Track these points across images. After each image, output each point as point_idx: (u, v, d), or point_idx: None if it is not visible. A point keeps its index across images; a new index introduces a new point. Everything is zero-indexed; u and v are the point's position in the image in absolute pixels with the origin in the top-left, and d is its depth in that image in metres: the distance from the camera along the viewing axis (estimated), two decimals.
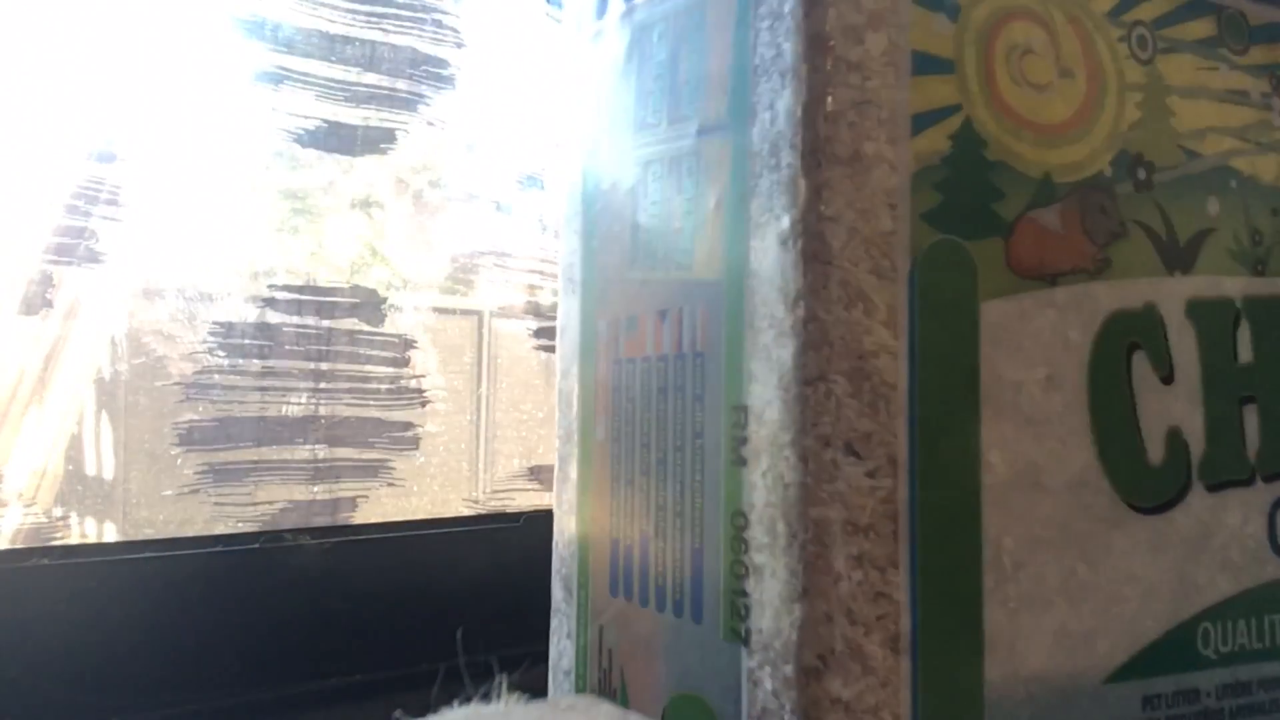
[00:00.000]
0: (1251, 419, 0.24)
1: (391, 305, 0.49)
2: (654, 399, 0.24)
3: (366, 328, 0.48)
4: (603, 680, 0.26)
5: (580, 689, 0.27)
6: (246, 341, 0.44)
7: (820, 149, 0.20)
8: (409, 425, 0.49)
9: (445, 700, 0.23)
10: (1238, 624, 0.24)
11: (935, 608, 0.20)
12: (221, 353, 0.43)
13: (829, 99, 0.20)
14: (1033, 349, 0.21)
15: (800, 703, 0.19)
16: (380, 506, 0.48)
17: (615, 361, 0.26)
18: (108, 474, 0.44)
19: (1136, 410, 0.23)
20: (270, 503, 0.44)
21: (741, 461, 0.21)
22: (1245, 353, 0.24)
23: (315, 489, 0.46)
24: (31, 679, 0.32)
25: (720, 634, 0.21)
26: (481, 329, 0.53)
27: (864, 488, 0.19)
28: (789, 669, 0.19)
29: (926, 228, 0.20)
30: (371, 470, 0.47)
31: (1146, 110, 0.23)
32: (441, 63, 0.50)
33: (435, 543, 0.42)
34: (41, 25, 0.42)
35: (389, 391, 0.48)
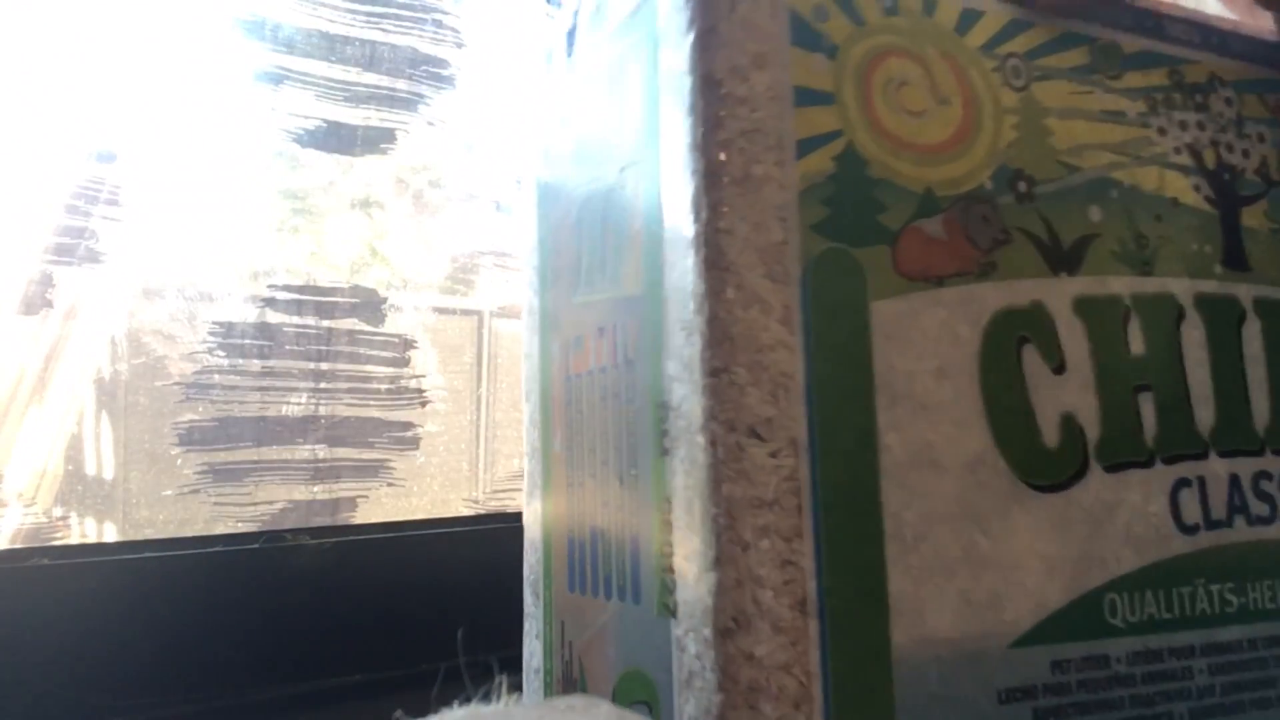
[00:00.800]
0: (1148, 406, 0.27)
1: (391, 305, 0.49)
2: (598, 407, 0.27)
3: (366, 328, 0.48)
4: (566, 672, 0.28)
5: (548, 683, 0.29)
6: (246, 341, 0.45)
7: (715, 172, 0.22)
8: (409, 425, 0.50)
9: (445, 700, 0.23)
10: (1145, 595, 0.26)
11: (840, 574, 0.22)
12: (221, 353, 0.44)
13: (720, 129, 0.23)
14: (923, 343, 0.24)
15: (718, 661, 0.21)
16: (380, 507, 0.49)
17: (566, 379, 0.29)
18: (108, 474, 0.45)
19: (1029, 397, 0.25)
20: (270, 503, 0.46)
21: (665, 452, 0.23)
22: (1137, 345, 0.27)
23: (315, 489, 0.47)
24: (31, 679, 0.34)
25: (655, 611, 0.24)
26: (481, 329, 0.54)
27: (768, 467, 0.22)
28: (708, 632, 0.22)
29: (816, 237, 0.23)
30: (371, 470, 0.48)
31: (1023, 131, 0.26)
32: (441, 63, 0.51)
33: (435, 543, 0.43)
34: (42, 24, 0.45)
35: (389, 391, 0.49)
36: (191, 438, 0.45)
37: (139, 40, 0.47)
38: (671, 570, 0.23)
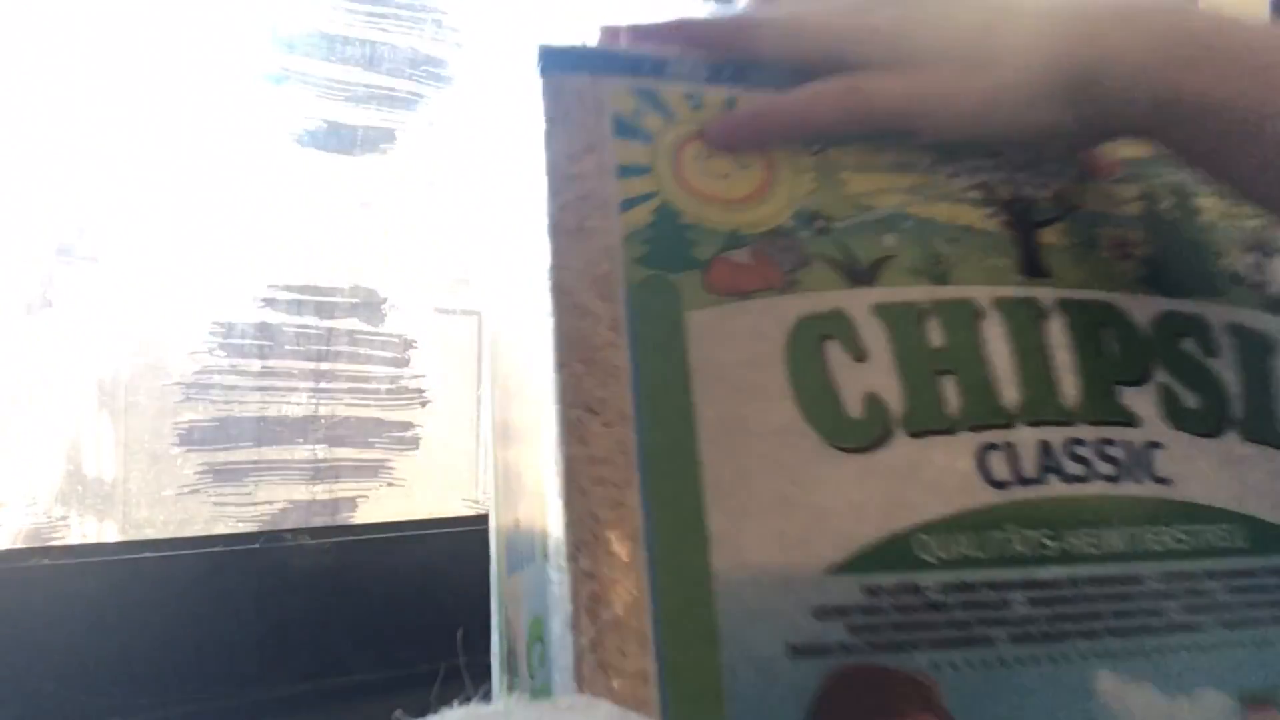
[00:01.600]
0: (950, 386, 0.32)
1: (391, 305, 0.50)
2: (513, 395, 0.34)
3: (366, 328, 0.49)
4: (511, 648, 0.35)
5: (501, 666, 0.36)
6: (247, 342, 0.45)
7: (558, 225, 0.31)
8: (409, 425, 0.51)
9: (445, 700, 0.24)
10: (956, 537, 0.31)
11: (663, 513, 0.28)
12: (222, 352, 0.45)
13: (558, 196, 0.31)
14: (732, 341, 0.31)
15: (568, 582, 0.28)
16: (380, 507, 0.50)
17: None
18: (108, 474, 0.46)
19: (833, 380, 0.31)
20: (270, 503, 0.48)
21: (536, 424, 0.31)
22: (937, 339, 0.33)
23: (315, 489, 0.47)
24: (31, 678, 0.37)
25: (544, 563, 0.30)
26: (481, 329, 0.53)
27: (601, 433, 0.29)
28: (562, 560, 0.28)
29: (638, 268, 0.31)
30: (371, 470, 0.50)
31: (820, 183, 0.34)
32: (441, 62, 0.52)
33: (435, 542, 0.46)
34: (49, 23, 0.46)
35: (389, 391, 0.50)
36: (191, 438, 0.46)
37: (140, 40, 0.46)
38: (546, 525, 0.30)
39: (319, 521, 0.50)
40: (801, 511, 0.30)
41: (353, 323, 0.51)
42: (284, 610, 0.45)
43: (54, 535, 0.45)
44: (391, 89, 0.52)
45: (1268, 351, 0.37)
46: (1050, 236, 0.36)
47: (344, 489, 0.51)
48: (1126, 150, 0.38)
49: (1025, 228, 0.36)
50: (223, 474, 0.49)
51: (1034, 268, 0.35)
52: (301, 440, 0.50)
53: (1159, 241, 0.37)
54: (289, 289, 0.50)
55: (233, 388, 0.48)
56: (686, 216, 0.32)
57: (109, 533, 0.47)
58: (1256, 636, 0.32)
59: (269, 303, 0.50)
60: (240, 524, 0.49)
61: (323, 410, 0.51)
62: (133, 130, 0.49)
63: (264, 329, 0.49)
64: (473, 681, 0.33)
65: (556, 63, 0.33)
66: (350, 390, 0.51)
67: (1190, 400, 0.35)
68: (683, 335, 0.31)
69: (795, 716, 0.28)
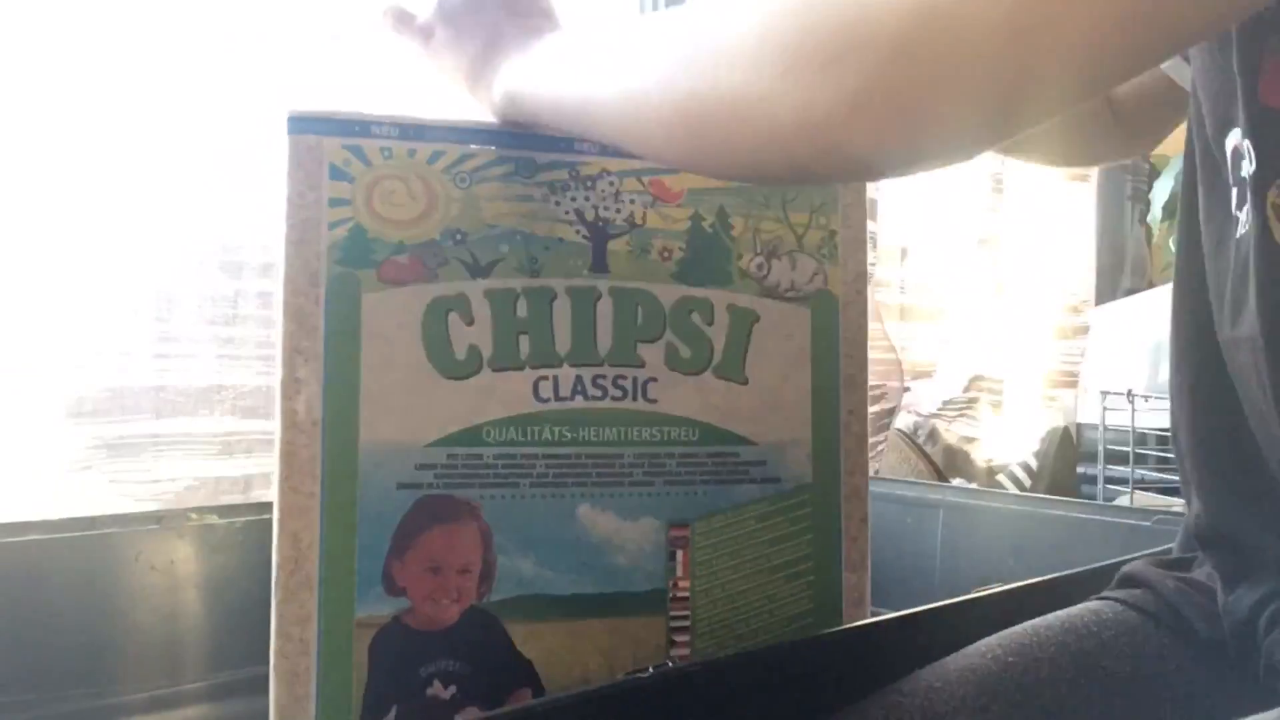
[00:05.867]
0: (525, 340, 0.56)
1: None
2: None
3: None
4: None
5: None
6: (143, 304, 0.51)
7: (288, 237, 0.53)
8: None
9: None
10: (509, 429, 0.55)
11: (332, 406, 0.53)
12: (116, 316, 0.46)
13: (290, 217, 0.52)
14: (390, 313, 0.53)
15: (280, 433, 0.52)
16: None
17: None
18: None
19: (449, 336, 0.54)
20: (174, 479, 0.55)
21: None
22: (522, 311, 0.56)
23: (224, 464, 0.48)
24: None
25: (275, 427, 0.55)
26: None
27: (303, 365, 0.52)
28: (278, 424, 0.53)
29: (336, 266, 0.53)
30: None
31: (464, 209, 0.55)
32: None
33: None
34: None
35: None
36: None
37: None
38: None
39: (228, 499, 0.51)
40: (418, 412, 0.54)
41: (264, 285, 0.54)
42: (188, 596, 0.51)
43: None
44: None
45: (751, 322, 0.60)
46: (617, 245, 0.57)
47: (256, 464, 0.52)
48: (688, 182, 0.58)
49: (600, 239, 0.57)
50: (118, 449, 0.48)
51: (601, 266, 0.57)
52: (206, 412, 0.51)
53: (695, 248, 0.59)
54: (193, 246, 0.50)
55: (127, 354, 0.47)
56: (370, 232, 0.54)
57: None
58: (686, 490, 0.58)
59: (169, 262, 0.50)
60: (139, 503, 0.49)
61: (228, 379, 0.51)
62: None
63: (163, 290, 0.50)
64: None
65: (298, 126, 0.53)
66: (260, 358, 0.54)
67: (685, 352, 0.58)
68: (359, 308, 0.53)
69: (396, 518, 0.53)
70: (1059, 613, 0.53)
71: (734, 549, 0.59)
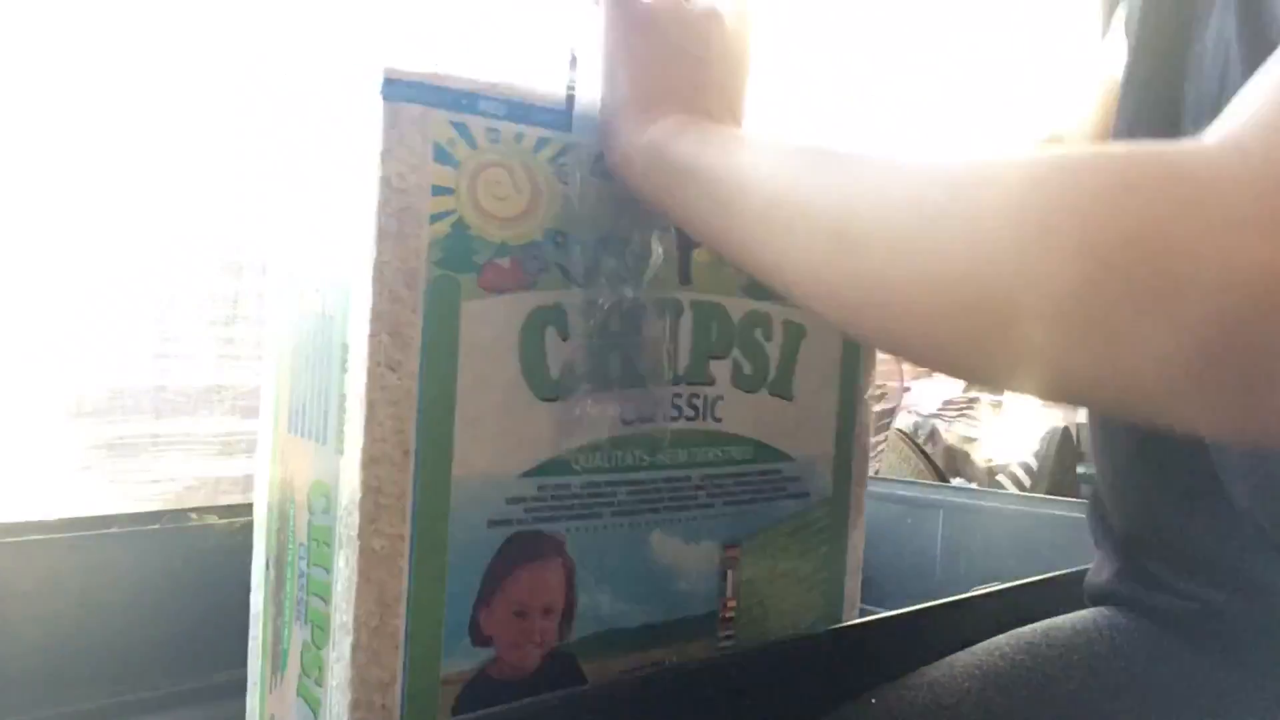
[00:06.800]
0: (614, 358, 0.50)
1: None
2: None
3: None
4: (282, 513, 0.50)
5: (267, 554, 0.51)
6: (143, 304, 0.46)
7: (382, 230, 0.43)
8: None
9: None
10: (594, 455, 0.50)
11: (426, 435, 0.44)
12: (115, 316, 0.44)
13: (386, 205, 0.43)
14: (488, 324, 0.46)
15: (361, 476, 0.43)
16: None
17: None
18: None
19: (544, 352, 0.48)
20: (173, 480, 0.49)
21: (345, 370, 0.45)
22: (615, 326, 0.50)
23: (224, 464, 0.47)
24: None
25: (339, 455, 0.45)
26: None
27: (395, 384, 0.44)
28: (355, 458, 0.44)
29: (435, 268, 0.44)
30: None
31: (566, 208, 0.48)
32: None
33: None
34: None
35: None
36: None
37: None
38: (342, 428, 0.45)
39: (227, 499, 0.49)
40: (511, 438, 0.47)
41: (264, 285, 0.51)
42: (188, 597, 0.46)
43: None
44: None
45: (800, 337, 0.59)
46: (700, 255, 0.54)
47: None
48: None
49: (687, 249, 0.53)
50: (118, 449, 0.47)
51: (686, 278, 0.53)
52: (206, 412, 0.49)
53: None
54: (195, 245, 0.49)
55: (127, 354, 0.47)
56: (473, 230, 0.45)
57: None
58: (739, 509, 0.57)
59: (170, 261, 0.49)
60: (139, 503, 0.48)
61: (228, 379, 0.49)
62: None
63: (163, 290, 0.50)
64: None
65: (396, 92, 0.43)
66: (259, 357, 0.51)
67: (747, 369, 0.56)
68: (458, 318, 0.45)
69: (486, 560, 0.47)
70: (1069, 615, 0.59)
71: (770, 564, 0.59)
